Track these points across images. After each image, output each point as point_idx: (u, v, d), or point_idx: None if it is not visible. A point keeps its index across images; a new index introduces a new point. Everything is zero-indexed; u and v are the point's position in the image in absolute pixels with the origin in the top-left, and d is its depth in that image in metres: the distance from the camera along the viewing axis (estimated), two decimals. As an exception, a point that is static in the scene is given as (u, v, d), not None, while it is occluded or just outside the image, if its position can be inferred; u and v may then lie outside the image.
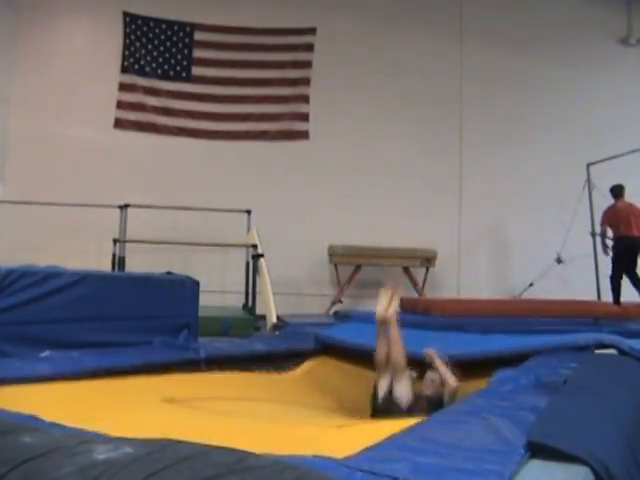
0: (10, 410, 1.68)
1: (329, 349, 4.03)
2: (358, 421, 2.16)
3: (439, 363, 3.36)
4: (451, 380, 3.28)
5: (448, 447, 1.38)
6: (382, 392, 3.26)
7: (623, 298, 7.67)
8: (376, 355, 3.39)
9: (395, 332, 3.33)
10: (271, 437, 1.81)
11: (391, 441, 1.46)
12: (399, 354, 3.28)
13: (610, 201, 7.80)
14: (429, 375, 3.40)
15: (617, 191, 7.74)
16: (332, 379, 3.51)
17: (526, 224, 9.30)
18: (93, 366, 2.77)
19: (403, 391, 3.23)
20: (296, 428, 2.06)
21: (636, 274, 7.56)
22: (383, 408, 3.21)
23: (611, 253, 7.86)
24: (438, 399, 3.27)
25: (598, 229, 8.33)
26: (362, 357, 3.74)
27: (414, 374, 3.40)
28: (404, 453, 1.32)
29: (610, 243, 7.86)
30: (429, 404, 3.22)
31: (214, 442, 1.59)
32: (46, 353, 3.16)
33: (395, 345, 3.31)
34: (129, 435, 1.63)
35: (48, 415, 1.68)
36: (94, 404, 2.26)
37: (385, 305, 3.38)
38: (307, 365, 3.77)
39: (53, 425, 1.53)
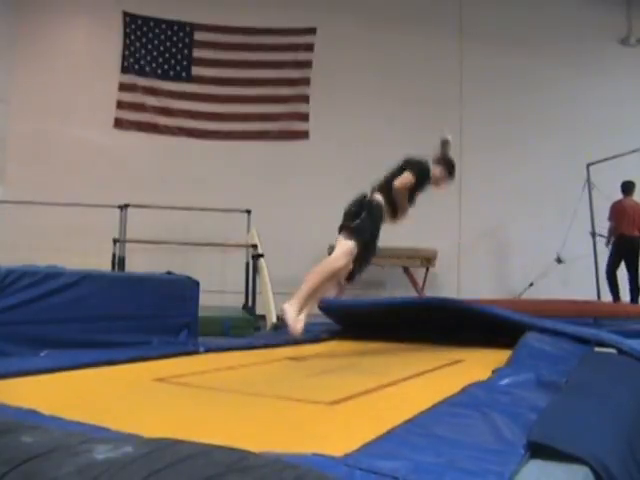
0: (8, 404, 1.69)
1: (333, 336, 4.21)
2: (351, 393, 2.17)
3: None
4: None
5: (448, 445, 1.38)
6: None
7: (623, 299, 7.69)
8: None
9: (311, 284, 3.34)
10: (258, 420, 1.81)
11: (391, 436, 1.46)
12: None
13: (611, 198, 7.82)
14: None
15: (627, 187, 7.77)
16: (328, 354, 3.56)
17: (526, 224, 9.29)
18: (90, 360, 2.80)
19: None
20: (287, 405, 2.06)
21: (637, 278, 7.57)
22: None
23: (610, 246, 7.90)
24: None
25: (598, 229, 8.35)
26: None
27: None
28: (404, 450, 1.32)
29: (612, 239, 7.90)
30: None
31: (194, 419, 1.63)
32: (45, 352, 3.17)
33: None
34: (117, 414, 1.67)
35: (42, 403, 1.69)
36: (86, 390, 2.28)
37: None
38: (307, 345, 3.86)
39: (52, 419, 1.54)
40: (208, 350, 3.40)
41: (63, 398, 2.07)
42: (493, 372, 2.47)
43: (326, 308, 4.27)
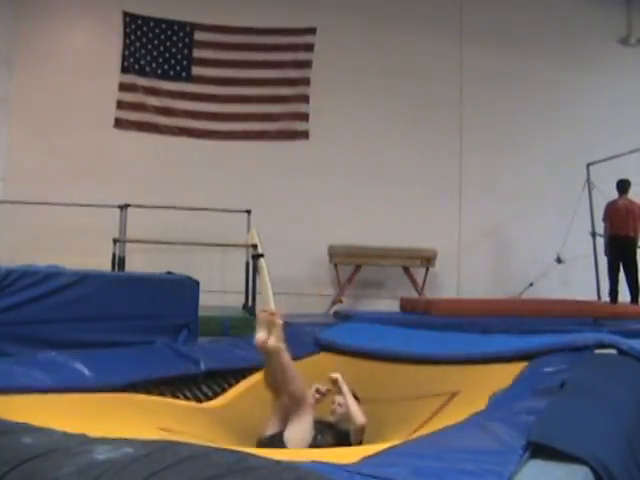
0: (5, 419, 1.68)
1: (328, 349, 4.02)
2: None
3: (347, 391, 2.97)
4: (359, 416, 2.85)
5: (447, 450, 1.38)
6: (272, 429, 2.77)
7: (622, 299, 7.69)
8: (266, 382, 2.97)
9: (284, 365, 2.83)
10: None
11: (390, 449, 1.47)
12: (295, 390, 2.77)
13: (611, 198, 7.82)
14: (337, 399, 3.00)
15: (622, 186, 7.75)
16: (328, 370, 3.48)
17: (526, 224, 9.29)
18: (93, 383, 2.75)
19: (298, 434, 2.69)
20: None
21: (635, 278, 7.55)
22: (268, 444, 2.68)
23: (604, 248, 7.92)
24: (344, 432, 2.86)
25: (598, 229, 8.34)
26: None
27: (321, 390, 2.98)
28: (403, 458, 1.32)
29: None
30: (334, 437, 2.81)
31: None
32: (51, 354, 3.12)
33: (288, 382, 2.80)
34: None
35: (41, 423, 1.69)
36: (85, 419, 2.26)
37: (264, 334, 2.92)
38: (305, 360, 3.77)
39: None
40: (209, 372, 3.30)
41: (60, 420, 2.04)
42: (490, 399, 2.45)
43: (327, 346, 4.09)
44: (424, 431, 2.54)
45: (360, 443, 2.80)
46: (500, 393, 2.46)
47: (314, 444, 2.72)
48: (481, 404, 2.39)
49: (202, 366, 3.35)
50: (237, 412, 3.14)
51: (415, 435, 2.44)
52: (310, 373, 3.30)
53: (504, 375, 2.84)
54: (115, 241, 7.33)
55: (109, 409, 2.58)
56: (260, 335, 2.93)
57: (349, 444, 2.80)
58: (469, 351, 3.64)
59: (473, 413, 2.11)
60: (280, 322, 3.03)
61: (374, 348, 3.87)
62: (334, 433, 2.85)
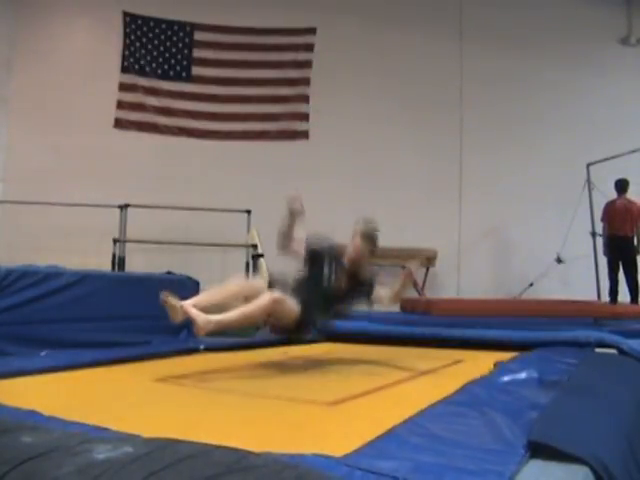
0: (8, 404, 1.69)
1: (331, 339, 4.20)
2: (351, 393, 2.18)
3: (401, 285, 3.35)
4: (398, 293, 3.27)
5: (448, 445, 1.38)
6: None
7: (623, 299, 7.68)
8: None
9: (232, 322, 2.73)
10: (258, 420, 1.81)
11: (391, 436, 1.46)
12: (261, 314, 2.78)
13: (611, 198, 7.81)
14: (357, 243, 3.29)
15: (620, 186, 7.72)
16: (330, 356, 3.56)
17: (526, 224, 9.29)
18: (90, 359, 2.80)
19: (284, 312, 2.78)
20: (288, 405, 2.07)
21: (634, 277, 7.53)
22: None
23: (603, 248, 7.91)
24: (365, 281, 3.27)
25: (598, 229, 8.33)
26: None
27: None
28: (404, 451, 1.32)
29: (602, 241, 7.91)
30: (350, 280, 3.16)
31: (199, 424, 1.62)
32: (44, 352, 3.17)
33: (247, 320, 2.78)
34: (118, 414, 1.66)
35: (42, 403, 1.69)
36: (88, 390, 2.28)
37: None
38: (307, 346, 3.85)
39: (51, 419, 1.54)
40: (208, 348, 3.40)
41: (63, 398, 2.07)
42: (495, 365, 2.47)
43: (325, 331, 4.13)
44: (429, 375, 2.80)
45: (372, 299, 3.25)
46: (505, 364, 2.50)
47: (328, 287, 3.04)
48: (481, 369, 2.48)
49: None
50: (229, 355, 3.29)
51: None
52: (320, 358, 3.41)
53: (506, 356, 2.91)
54: (115, 241, 7.34)
55: (105, 374, 2.64)
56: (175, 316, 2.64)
57: (366, 292, 3.28)
58: (474, 335, 3.74)
59: (475, 378, 2.15)
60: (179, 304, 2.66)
61: (382, 331, 4.18)
62: (350, 277, 3.21)
